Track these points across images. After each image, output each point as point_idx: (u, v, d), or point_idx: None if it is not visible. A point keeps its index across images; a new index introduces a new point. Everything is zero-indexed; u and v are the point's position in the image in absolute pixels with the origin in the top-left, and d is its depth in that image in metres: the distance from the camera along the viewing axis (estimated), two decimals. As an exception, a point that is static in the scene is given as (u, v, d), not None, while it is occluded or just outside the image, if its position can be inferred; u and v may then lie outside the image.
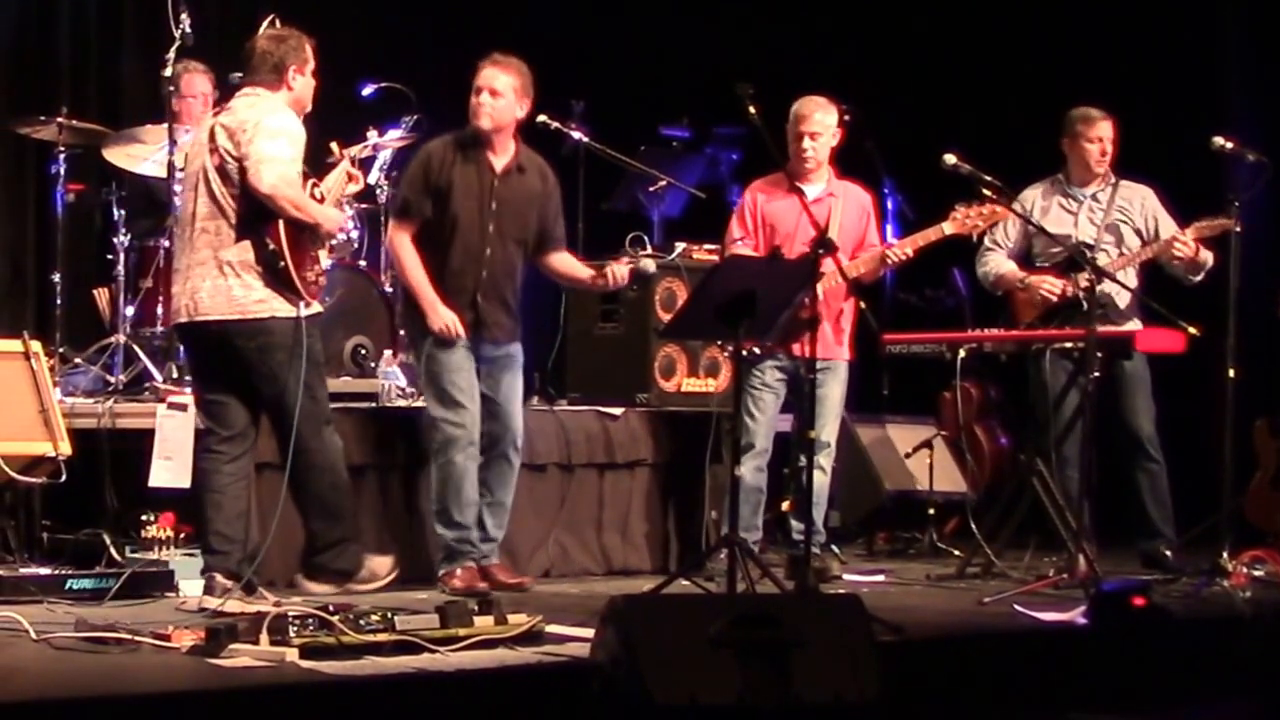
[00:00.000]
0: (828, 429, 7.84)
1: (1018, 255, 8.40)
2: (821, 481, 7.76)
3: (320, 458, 6.64)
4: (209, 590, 6.53)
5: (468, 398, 7.32)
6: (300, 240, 6.51)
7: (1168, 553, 8.23)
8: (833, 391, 7.85)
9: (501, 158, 7.41)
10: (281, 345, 6.52)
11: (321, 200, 6.74)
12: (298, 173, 6.55)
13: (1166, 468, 8.36)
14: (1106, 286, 7.99)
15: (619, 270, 7.50)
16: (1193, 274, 8.17)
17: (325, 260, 6.71)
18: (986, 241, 8.31)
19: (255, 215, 6.47)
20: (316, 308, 6.68)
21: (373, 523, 7.61)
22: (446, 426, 7.30)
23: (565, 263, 7.61)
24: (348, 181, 6.99)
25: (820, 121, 7.83)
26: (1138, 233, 8.35)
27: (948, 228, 7.78)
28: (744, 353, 7.32)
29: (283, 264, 6.46)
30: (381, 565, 6.78)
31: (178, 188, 7.91)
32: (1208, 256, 8.08)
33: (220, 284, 6.51)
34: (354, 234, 8.55)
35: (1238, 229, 7.79)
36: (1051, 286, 8.14)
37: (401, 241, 7.40)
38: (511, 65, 7.36)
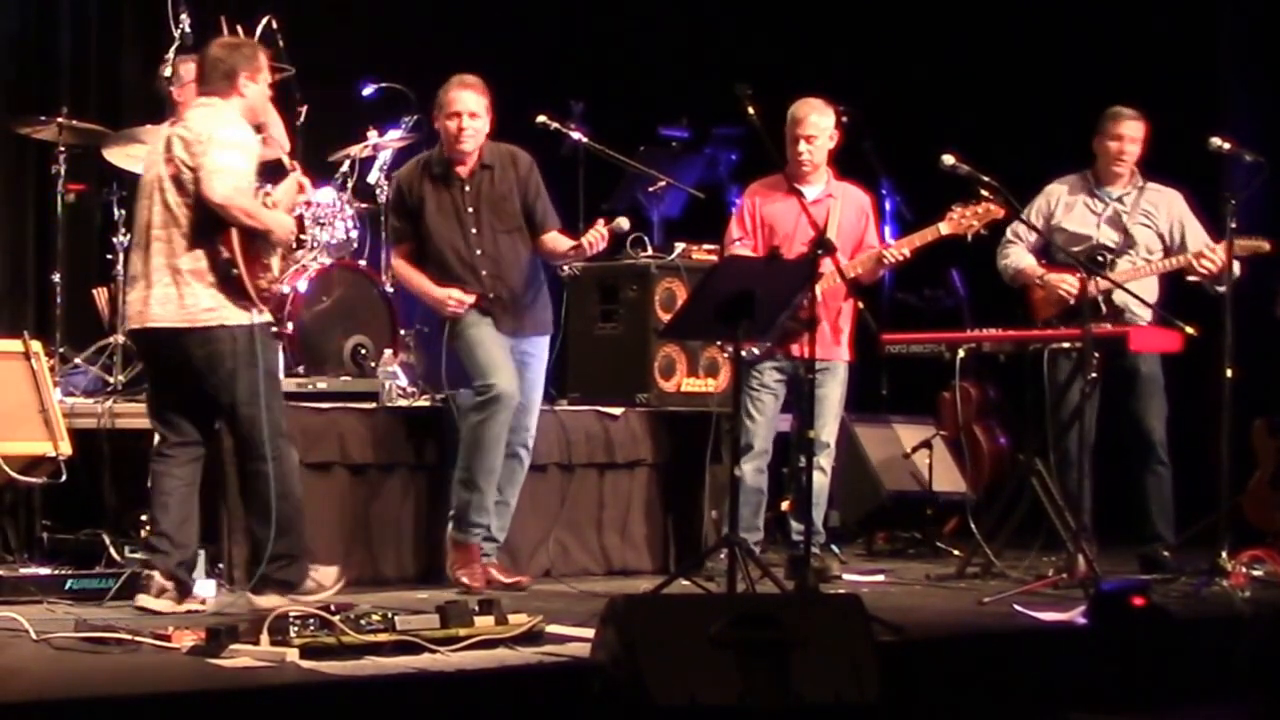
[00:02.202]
0: (827, 429, 7.84)
1: (1038, 249, 8.39)
2: (821, 482, 7.76)
3: (275, 467, 6.57)
4: (145, 588, 6.51)
5: (504, 364, 7.39)
6: (253, 248, 6.53)
7: (1166, 554, 8.24)
8: (832, 392, 7.85)
9: (467, 164, 7.53)
10: (231, 353, 6.51)
11: (273, 209, 6.78)
12: (250, 183, 6.59)
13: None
14: (1139, 287, 8.00)
15: (592, 235, 7.50)
16: (1217, 285, 8.11)
17: (277, 268, 6.69)
18: (1008, 234, 8.29)
19: (209, 224, 6.50)
20: (268, 316, 6.66)
21: (373, 522, 7.63)
22: (485, 390, 7.34)
23: (554, 241, 7.66)
24: (298, 191, 7.01)
25: (816, 124, 7.84)
26: (1160, 237, 8.31)
27: (944, 228, 7.77)
28: (743, 354, 7.33)
29: (236, 271, 6.48)
30: (327, 575, 6.72)
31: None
32: (1235, 267, 8.00)
33: (170, 292, 6.51)
34: (354, 234, 8.56)
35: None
36: (1070, 286, 8.09)
37: (398, 263, 7.64)
38: (479, 85, 7.51)
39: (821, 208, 7.79)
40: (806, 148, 7.82)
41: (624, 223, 7.78)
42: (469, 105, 7.45)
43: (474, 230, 7.49)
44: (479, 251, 7.48)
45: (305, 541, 6.74)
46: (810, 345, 6.79)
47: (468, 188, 7.51)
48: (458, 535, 7.44)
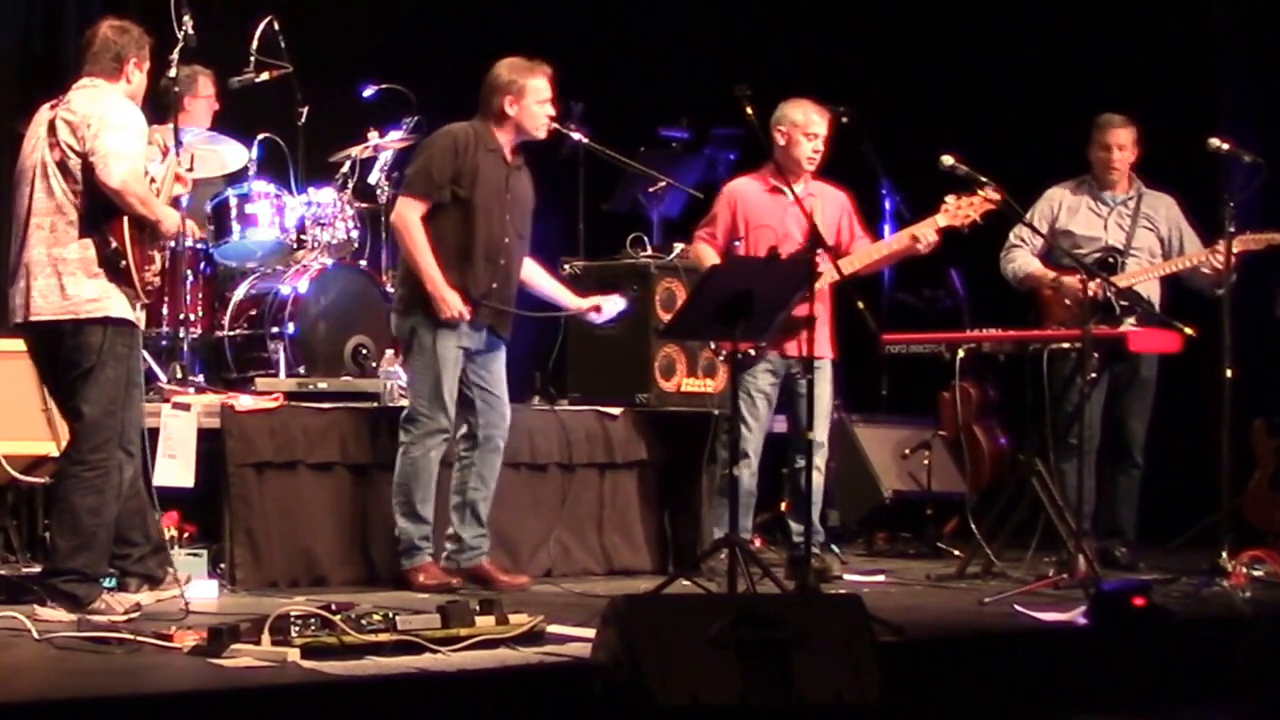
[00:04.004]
0: (821, 428, 7.85)
1: (1043, 253, 8.43)
2: (818, 481, 7.77)
3: (94, 477, 6.25)
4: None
5: (452, 398, 7.33)
6: (141, 239, 6.29)
7: (1123, 550, 8.36)
8: (824, 391, 7.84)
9: (512, 157, 7.49)
10: (98, 349, 6.23)
11: (156, 195, 6.50)
12: (143, 167, 6.38)
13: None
14: (1142, 290, 8.04)
15: (610, 304, 7.60)
16: (1218, 287, 8.13)
17: (159, 261, 6.45)
18: (1012, 238, 8.38)
19: (98, 212, 6.25)
20: (142, 316, 6.43)
21: (373, 522, 7.63)
22: (431, 422, 7.28)
23: (534, 271, 7.62)
24: (175, 181, 6.76)
25: (821, 123, 7.83)
26: (1161, 241, 8.41)
27: (941, 220, 7.76)
28: (737, 355, 7.33)
29: (124, 262, 6.24)
30: (121, 603, 6.27)
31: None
32: (1232, 270, 8.01)
33: (51, 284, 6.24)
34: (354, 234, 8.58)
35: (1231, 228, 7.82)
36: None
37: (414, 218, 7.30)
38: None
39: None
40: (818, 145, 7.80)
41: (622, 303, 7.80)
42: (551, 94, 7.44)
43: (507, 218, 7.42)
44: (506, 239, 7.41)
45: (105, 562, 6.39)
46: (809, 344, 6.81)
47: (510, 178, 7.46)
48: (409, 563, 7.35)
